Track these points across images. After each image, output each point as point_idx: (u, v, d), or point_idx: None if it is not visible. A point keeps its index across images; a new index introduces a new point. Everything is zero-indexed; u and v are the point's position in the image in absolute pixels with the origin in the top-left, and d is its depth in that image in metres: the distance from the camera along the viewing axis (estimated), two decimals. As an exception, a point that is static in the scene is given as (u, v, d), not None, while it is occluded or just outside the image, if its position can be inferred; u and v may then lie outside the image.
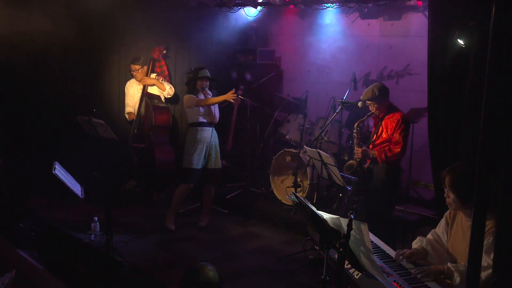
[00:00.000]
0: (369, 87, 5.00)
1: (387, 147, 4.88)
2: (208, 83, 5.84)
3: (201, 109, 5.79)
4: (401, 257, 3.28)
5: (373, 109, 4.96)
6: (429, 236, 3.39)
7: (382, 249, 3.44)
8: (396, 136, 4.84)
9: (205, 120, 5.83)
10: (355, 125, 5.20)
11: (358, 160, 5.10)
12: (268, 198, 6.86)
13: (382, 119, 4.93)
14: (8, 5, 6.30)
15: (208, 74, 5.88)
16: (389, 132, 4.86)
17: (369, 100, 4.91)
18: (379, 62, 7.10)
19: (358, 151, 5.03)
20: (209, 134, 5.82)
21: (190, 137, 5.83)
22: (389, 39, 6.98)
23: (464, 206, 3.09)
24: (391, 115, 4.88)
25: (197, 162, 5.78)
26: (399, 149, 4.82)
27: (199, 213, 6.41)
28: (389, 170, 4.89)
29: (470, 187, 2.94)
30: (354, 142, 5.14)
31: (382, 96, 4.87)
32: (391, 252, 3.39)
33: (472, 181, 2.94)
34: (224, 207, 6.81)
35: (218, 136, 5.98)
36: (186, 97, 5.83)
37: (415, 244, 3.41)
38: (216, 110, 5.93)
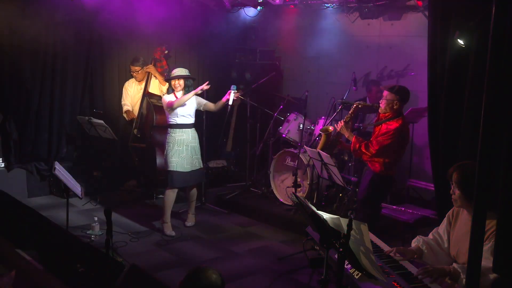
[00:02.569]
0: None
1: (364, 142, 4.80)
2: (182, 82, 5.72)
3: (179, 111, 5.69)
4: (392, 252, 3.33)
5: (381, 101, 4.80)
6: (430, 236, 3.40)
7: (382, 249, 3.44)
8: (380, 139, 4.70)
9: (183, 122, 5.75)
10: (356, 103, 5.12)
11: (337, 131, 5.07)
12: (268, 198, 6.86)
13: (384, 121, 4.85)
14: (9, 9, 6.31)
15: (181, 73, 5.74)
16: (382, 136, 4.74)
17: (386, 89, 4.79)
18: (379, 62, 7.10)
19: (341, 123, 5.03)
20: (189, 136, 5.78)
21: (169, 139, 5.75)
22: (389, 39, 6.99)
23: (469, 203, 3.09)
24: (393, 121, 4.72)
25: (179, 164, 5.69)
26: (374, 151, 4.71)
27: (199, 213, 6.42)
28: (375, 177, 4.82)
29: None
30: (346, 116, 5.09)
31: (399, 98, 4.70)
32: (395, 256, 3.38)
33: None
34: (224, 207, 6.81)
35: (199, 136, 5.94)
36: (162, 98, 5.87)
37: (413, 243, 3.43)
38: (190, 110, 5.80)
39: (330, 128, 5.33)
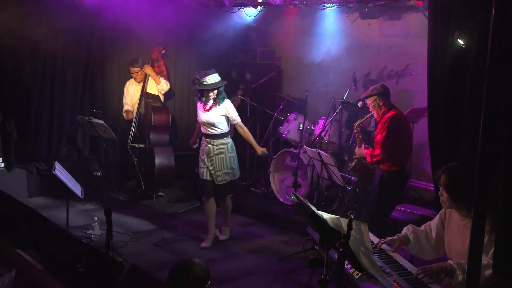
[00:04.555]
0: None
1: (371, 150, 4.88)
2: (207, 93, 5.25)
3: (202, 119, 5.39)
4: (381, 243, 3.42)
5: (370, 110, 4.88)
6: (422, 227, 3.47)
7: (382, 248, 3.45)
8: (378, 136, 4.76)
9: (203, 131, 5.46)
10: (354, 125, 5.22)
11: (358, 158, 5.15)
12: (268, 198, 6.86)
13: (380, 121, 4.89)
14: (9, 10, 6.31)
15: (212, 82, 5.24)
16: (378, 133, 4.80)
17: (366, 98, 4.88)
18: (379, 62, 7.10)
19: (356, 151, 5.15)
20: (209, 146, 5.39)
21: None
22: (389, 39, 6.98)
23: (457, 205, 3.14)
24: (385, 116, 4.78)
25: (202, 173, 5.46)
26: (378, 151, 4.73)
27: (199, 213, 6.42)
28: (384, 173, 4.83)
29: (464, 188, 3.01)
30: (357, 141, 5.18)
31: (376, 95, 4.78)
32: (391, 253, 3.40)
33: (467, 182, 2.99)
34: (224, 207, 6.81)
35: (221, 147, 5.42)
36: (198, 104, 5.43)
37: (403, 230, 3.51)
38: (212, 119, 5.35)
39: (354, 163, 5.36)
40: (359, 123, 5.22)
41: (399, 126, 4.75)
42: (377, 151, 4.76)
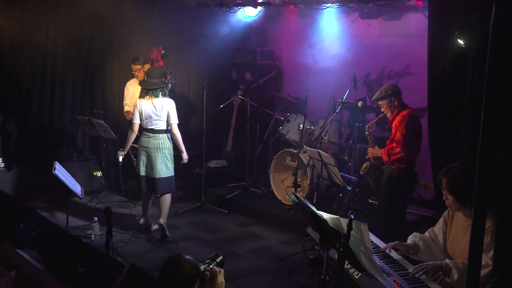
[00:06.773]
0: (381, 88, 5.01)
1: (388, 150, 4.89)
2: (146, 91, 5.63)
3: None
4: (389, 248, 3.33)
5: (384, 110, 4.94)
6: (426, 234, 3.42)
7: (379, 246, 3.44)
8: (398, 134, 4.79)
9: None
10: (366, 127, 5.29)
11: (371, 160, 5.18)
12: (268, 198, 6.86)
13: (393, 120, 4.92)
14: (8, 11, 6.31)
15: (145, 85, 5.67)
16: (397, 131, 4.84)
17: (378, 100, 4.93)
18: (379, 62, 7.09)
19: (368, 151, 5.18)
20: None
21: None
22: (389, 39, 6.98)
23: (464, 206, 3.09)
24: (400, 114, 4.84)
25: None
26: (398, 148, 4.77)
27: (199, 213, 6.41)
28: (393, 172, 4.86)
29: (467, 187, 2.97)
30: (369, 143, 5.25)
31: (391, 96, 4.82)
32: (392, 252, 3.39)
33: (469, 181, 2.96)
34: (224, 207, 6.81)
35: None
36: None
37: (410, 239, 3.44)
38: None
39: (367, 163, 5.35)
40: (370, 125, 5.29)
41: (417, 124, 4.82)
42: (397, 149, 4.79)
